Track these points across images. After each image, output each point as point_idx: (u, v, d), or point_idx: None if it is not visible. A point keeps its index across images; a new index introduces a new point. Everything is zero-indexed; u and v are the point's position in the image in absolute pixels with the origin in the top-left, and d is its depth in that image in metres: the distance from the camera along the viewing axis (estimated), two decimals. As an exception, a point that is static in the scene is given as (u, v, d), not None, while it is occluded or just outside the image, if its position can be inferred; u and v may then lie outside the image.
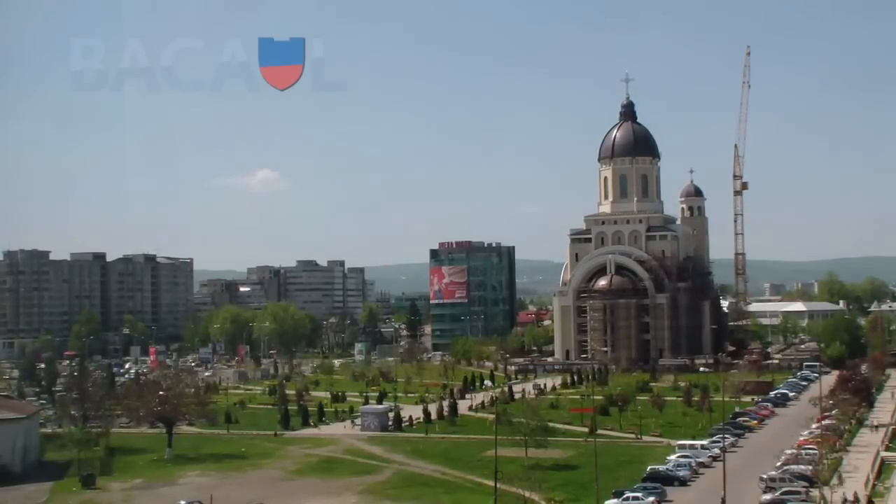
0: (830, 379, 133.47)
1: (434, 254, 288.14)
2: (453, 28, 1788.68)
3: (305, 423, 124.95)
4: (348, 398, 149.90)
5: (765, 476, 78.41)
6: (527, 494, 72.73)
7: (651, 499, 73.31)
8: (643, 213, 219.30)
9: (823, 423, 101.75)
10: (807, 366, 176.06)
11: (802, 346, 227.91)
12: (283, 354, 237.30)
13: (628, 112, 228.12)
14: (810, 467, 77.95)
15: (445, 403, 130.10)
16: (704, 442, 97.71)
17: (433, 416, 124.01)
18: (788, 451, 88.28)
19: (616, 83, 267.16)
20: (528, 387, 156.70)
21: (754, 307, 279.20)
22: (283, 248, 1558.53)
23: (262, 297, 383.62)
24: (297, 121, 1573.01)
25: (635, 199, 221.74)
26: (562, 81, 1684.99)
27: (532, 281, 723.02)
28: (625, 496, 73.44)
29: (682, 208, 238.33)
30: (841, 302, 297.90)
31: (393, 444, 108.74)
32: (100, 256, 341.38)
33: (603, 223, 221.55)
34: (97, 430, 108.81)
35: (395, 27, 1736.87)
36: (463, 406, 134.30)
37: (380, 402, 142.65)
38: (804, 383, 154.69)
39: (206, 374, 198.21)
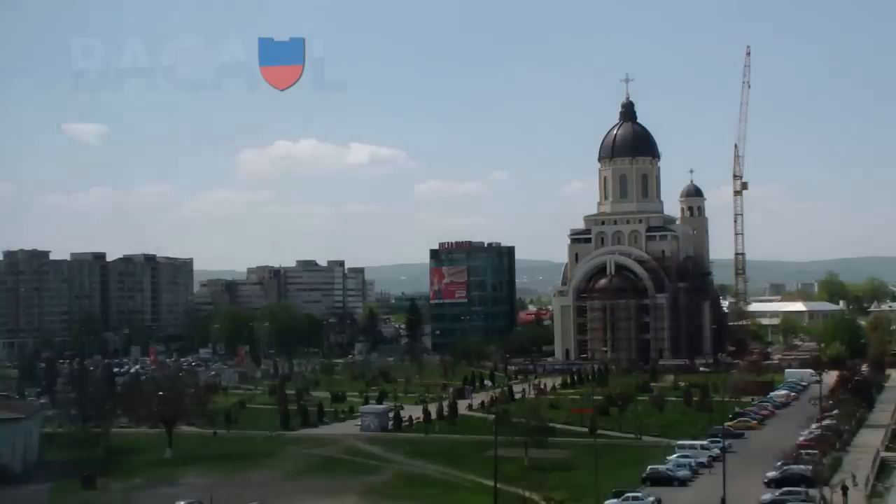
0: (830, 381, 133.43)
1: (434, 254, 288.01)
2: (453, 28, 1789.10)
3: (305, 424, 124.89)
4: (348, 398, 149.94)
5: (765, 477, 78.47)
6: (527, 494, 72.74)
7: (651, 499, 73.36)
8: (643, 213, 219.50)
9: (823, 423, 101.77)
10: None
11: (802, 347, 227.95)
12: (283, 354, 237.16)
13: (628, 112, 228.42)
14: (810, 467, 77.97)
15: (445, 403, 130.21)
16: (704, 442, 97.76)
17: (433, 416, 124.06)
18: (787, 452, 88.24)
19: (616, 83, 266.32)
20: (528, 387, 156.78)
21: (754, 307, 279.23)
22: (283, 248, 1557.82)
23: (262, 297, 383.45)
24: (296, 120, 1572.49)
25: (635, 199, 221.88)
26: (562, 81, 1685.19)
27: (532, 281, 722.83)
28: (625, 496, 73.45)
29: (682, 208, 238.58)
30: (841, 302, 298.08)
31: (393, 444, 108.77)
32: (100, 256, 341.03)
33: (603, 223, 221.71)
34: (97, 430, 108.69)
35: (395, 27, 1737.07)
36: (463, 406, 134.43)
37: (380, 402, 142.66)
38: (804, 383, 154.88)
39: (209, 373, 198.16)
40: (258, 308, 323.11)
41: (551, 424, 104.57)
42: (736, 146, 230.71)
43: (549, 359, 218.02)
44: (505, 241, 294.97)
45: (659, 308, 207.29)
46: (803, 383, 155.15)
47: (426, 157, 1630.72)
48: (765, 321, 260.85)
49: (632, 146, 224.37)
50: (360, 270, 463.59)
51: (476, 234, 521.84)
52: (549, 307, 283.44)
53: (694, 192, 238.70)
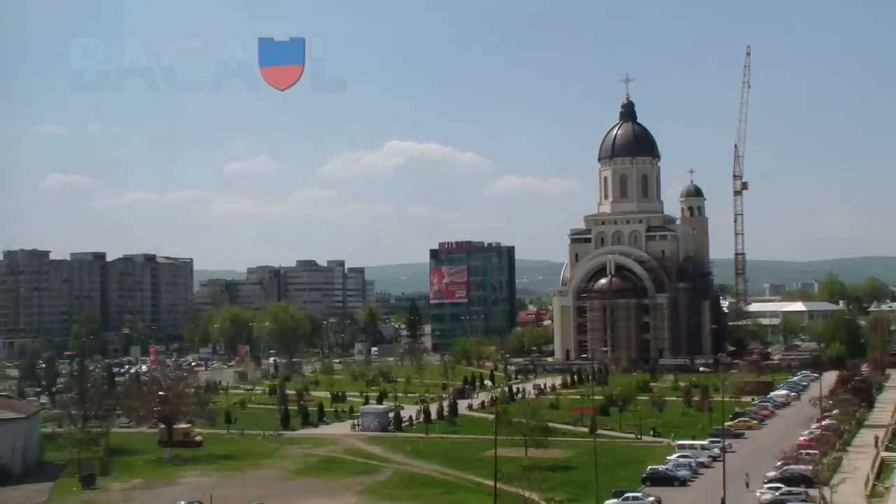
0: (829, 381, 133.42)
1: (434, 254, 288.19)
2: (453, 28, 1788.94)
3: (306, 423, 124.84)
4: (348, 398, 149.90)
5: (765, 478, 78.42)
6: (527, 494, 72.67)
7: (651, 499, 73.35)
8: (643, 213, 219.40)
9: (823, 423, 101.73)
10: (800, 373, 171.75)
11: (802, 347, 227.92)
12: (283, 354, 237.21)
13: (628, 112, 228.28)
14: (810, 467, 77.89)
15: (445, 403, 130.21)
16: (704, 442, 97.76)
17: (433, 416, 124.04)
18: (787, 451, 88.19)
19: (616, 83, 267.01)
20: (528, 387, 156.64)
21: (754, 307, 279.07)
22: (283, 248, 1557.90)
23: (262, 297, 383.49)
24: (297, 120, 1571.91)
25: (635, 199, 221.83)
26: (562, 81, 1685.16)
27: (532, 281, 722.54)
28: (625, 496, 73.41)
29: (682, 208, 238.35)
30: (841, 302, 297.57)
31: (393, 444, 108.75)
32: (100, 256, 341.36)
33: (603, 223, 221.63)
34: (97, 430, 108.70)
35: (395, 27, 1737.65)
36: (463, 406, 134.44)
37: (380, 402, 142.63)
38: (804, 383, 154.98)
39: (207, 373, 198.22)
40: (258, 308, 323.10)
41: (551, 424, 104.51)
42: (736, 146, 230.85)
43: (549, 359, 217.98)
44: (505, 242, 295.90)
45: (659, 308, 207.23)
46: (803, 383, 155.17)
47: (426, 156, 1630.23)
48: (765, 321, 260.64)
49: (632, 146, 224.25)
50: (360, 270, 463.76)
51: (476, 234, 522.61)
52: (549, 307, 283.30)
53: (694, 192, 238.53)
